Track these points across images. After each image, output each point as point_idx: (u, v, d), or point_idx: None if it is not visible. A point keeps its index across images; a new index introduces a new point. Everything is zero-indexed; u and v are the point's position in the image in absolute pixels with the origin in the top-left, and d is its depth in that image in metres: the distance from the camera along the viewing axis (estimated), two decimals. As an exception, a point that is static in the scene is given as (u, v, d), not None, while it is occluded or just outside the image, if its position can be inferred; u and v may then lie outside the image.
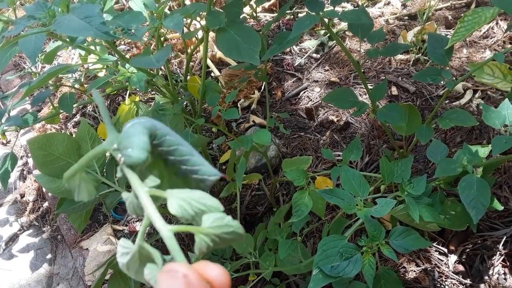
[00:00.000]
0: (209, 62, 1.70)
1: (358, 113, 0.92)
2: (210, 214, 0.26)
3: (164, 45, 1.10)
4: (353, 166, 1.33)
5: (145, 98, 1.68)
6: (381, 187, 0.85)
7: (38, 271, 1.43)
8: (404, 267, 1.11)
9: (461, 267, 1.09)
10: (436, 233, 1.13)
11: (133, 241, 0.27)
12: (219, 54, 1.73)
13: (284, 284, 1.07)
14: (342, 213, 0.98)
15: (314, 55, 1.70)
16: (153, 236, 1.26)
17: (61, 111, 1.02)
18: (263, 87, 1.61)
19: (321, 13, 0.79)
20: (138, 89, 1.00)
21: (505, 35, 1.55)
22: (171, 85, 1.06)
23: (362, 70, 1.58)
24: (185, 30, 1.11)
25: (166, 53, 0.76)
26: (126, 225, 1.44)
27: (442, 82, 0.86)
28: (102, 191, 0.91)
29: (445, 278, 1.08)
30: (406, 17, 1.76)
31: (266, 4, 1.91)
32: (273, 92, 1.61)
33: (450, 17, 1.67)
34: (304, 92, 1.58)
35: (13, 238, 1.54)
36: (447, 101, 1.42)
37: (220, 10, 0.87)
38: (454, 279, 1.07)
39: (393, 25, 1.73)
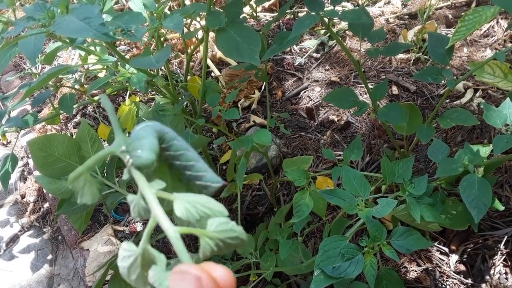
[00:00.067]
0: (209, 62, 1.70)
1: (358, 112, 0.92)
2: (215, 219, 0.27)
3: (164, 45, 1.10)
4: (354, 166, 1.33)
5: (145, 99, 1.68)
6: (382, 187, 0.85)
7: (39, 272, 1.43)
8: (405, 267, 1.11)
9: (462, 267, 1.08)
10: (437, 233, 1.13)
11: (133, 243, 0.27)
12: (219, 54, 1.73)
13: (285, 285, 1.07)
14: (343, 213, 0.97)
15: (315, 54, 1.70)
16: (153, 237, 1.26)
17: (61, 111, 1.02)
18: (263, 87, 1.61)
19: (321, 13, 0.79)
20: (138, 90, 1.00)
21: (505, 34, 1.55)
22: (171, 86, 1.06)
23: (363, 70, 1.57)
24: (185, 30, 1.11)
25: (166, 54, 0.76)
26: (127, 226, 1.44)
27: (442, 81, 0.86)
28: (102, 192, 0.91)
29: (446, 277, 1.08)
30: (407, 16, 1.76)
31: (266, 4, 1.91)
32: (273, 92, 1.61)
33: (450, 16, 1.67)
34: (305, 92, 1.58)
35: (14, 239, 1.54)
36: (448, 100, 1.42)
37: (220, 10, 0.87)
38: (455, 278, 1.07)
39: (393, 24, 1.72)
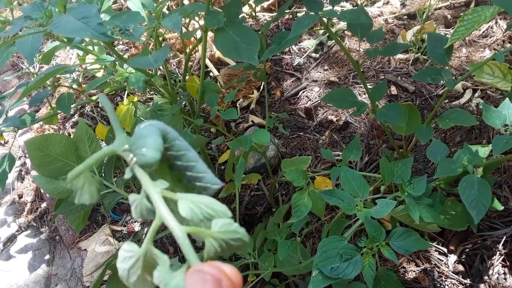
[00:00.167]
0: (207, 62, 1.70)
1: (357, 113, 0.92)
2: (219, 220, 0.27)
3: (163, 45, 1.09)
4: (353, 166, 1.33)
5: (144, 98, 1.67)
6: (381, 188, 0.85)
7: (36, 272, 1.42)
8: (403, 267, 1.11)
9: (461, 267, 1.08)
10: (436, 233, 1.13)
11: (132, 241, 0.27)
12: (218, 54, 1.73)
13: (283, 285, 1.07)
14: (342, 214, 0.97)
15: (313, 54, 1.70)
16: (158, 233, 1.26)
17: (59, 111, 1.02)
18: (262, 87, 1.60)
19: (320, 13, 0.79)
20: (136, 89, 1.00)
21: (504, 34, 1.55)
22: (169, 85, 1.06)
23: (361, 70, 1.57)
24: (184, 30, 1.10)
25: (164, 53, 0.76)
26: (125, 226, 1.43)
27: (441, 81, 0.86)
28: (100, 192, 0.91)
29: (445, 278, 1.07)
30: (405, 17, 1.76)
31: (265, 4, 1.90)
32: (272, 92, 1.61)
33: (449, 16, 1.67)
34: (303, 92, 1.58)
35: (11, 239, 1.53)
36: (447, 100, 1.42)
37: (219, 9, 0.86)
38: (454, 279, 1.07)
39: (392, 24, 1.72)
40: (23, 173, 1.74)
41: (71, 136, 0.88)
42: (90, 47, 1.03)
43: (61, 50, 2.03)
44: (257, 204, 1.33)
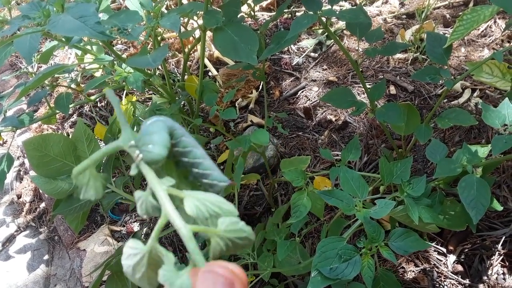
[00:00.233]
0: (206, 61, 1.69)
1: (356, 112, 0.92)
2: (225, 218, 0.26)
3: (161, 44, 1.09)
4: (352, 166, 1.33)
5: (142, 98, 1.67)
6: (380, 188, 0.84)
7: (35, 272, 1.42)
8: (403, 267, 1.11)
9: (460, 267, 1.08)
10: (435, 233, 1.13)
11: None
12: (217, 53, 1.73)
13: (282, 285, 1.07)
14: (341, 214, 0.97)
15: (312, 54, 1.70)
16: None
17: (58, 111, 1.02)
18: (261, 87, 1.60)
19: (319, 12, 0.78)
20: (135, 89, 0.99)
21: (503, 33, 1.55)
22: (168, 85, 1.06)
23: (360, 69, 1.57)
24: (182, 29, 1.10)
25: (162, 53, 0.76)
26: (124, 226, 1.43)
27: (440, 81, 0.86)
28: (105, 187, 0.90)
29: (444, 278, 1.07)
30: (404, 16, 1.76)
31: (264, 3, 1.90)
32: (271, 92, 1.60)
33: (448, 16, 1.67)
34: (302, 92, 1.57)
35: (10, 239, 1.53)
36: (446, 100, 1.41)
37: (218, 9, 0.86)
38: (453, 279, 1.07)
39: (391, 24, 1.72)
40: (21, 173, 1.74)
41: (70, 136, 0.88)
42: (88, 47, 1.02)
43: (59, 50, 2.02)
44: (256, 204, 1.33)
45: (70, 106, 1.00)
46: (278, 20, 1.83)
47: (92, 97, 1.11)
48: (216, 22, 0.82)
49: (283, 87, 1.61)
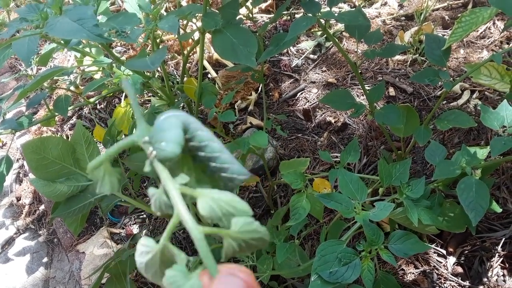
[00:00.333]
0: (205, 63, 1.69)
1: (355, 114, 0.92)
2: (239, 218, 0.26)
3: (160, 46, 1.09)
4: (351, 168, 1.33)
5: (141, 101, 1.67)
6: (379, 190, 0.84)
7: (34, 275, 1.42)
8: (402, 269, 1.11)
9: (459, 269, 1.08)
10: (435, 235, 1.13)
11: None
12: (216, 55, 1.72)
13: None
14: (340, 216, 0.97)
15: (311, 56, 1.70)
16: (157, 235, 1.25)
17: (57, 113, 1.01)
18: (260, 89, 1.60)
19: (317, 14, 0.78)
20: (133, 92, 0.99)
21: (502, 35, 1.55)
22: (167, 87, 1.06)
23: (359, 71, 1.57)
24: (181, 31, 1.10)
25: (161, 55, 0.75)
26: (123, 228, 1.43)
27: (439, 83, 0.86)
28: (98, 194, 0.90)
29: (444, 280, 1.07)
30: (403, 18, 1.76)
31: (263, 5, 1.90)
32: (270, 94, 1.60)
33: (447, 18, 1.67)
34: (301, 93, 1.57)
35: (9, 242, 1.53)
36: (445, 101, 1.41)
37: (216, 11, 0.86)
38: (453, 281, 1.06)
39: (390, 25, 1.72)
40: (21, 175, 1.74)
41: (69, 138, 0.88)
42: (87, 49, 1.02)
43: (59, 52, 2.02)
44: (256, 206, 1.33)
45: (69, 108, 1.00)
46: (277, 22, 1.83)
47: (91, 99, 1.11)
48: (214, 24, 0.81)
49: (282, 89, 1.61)
